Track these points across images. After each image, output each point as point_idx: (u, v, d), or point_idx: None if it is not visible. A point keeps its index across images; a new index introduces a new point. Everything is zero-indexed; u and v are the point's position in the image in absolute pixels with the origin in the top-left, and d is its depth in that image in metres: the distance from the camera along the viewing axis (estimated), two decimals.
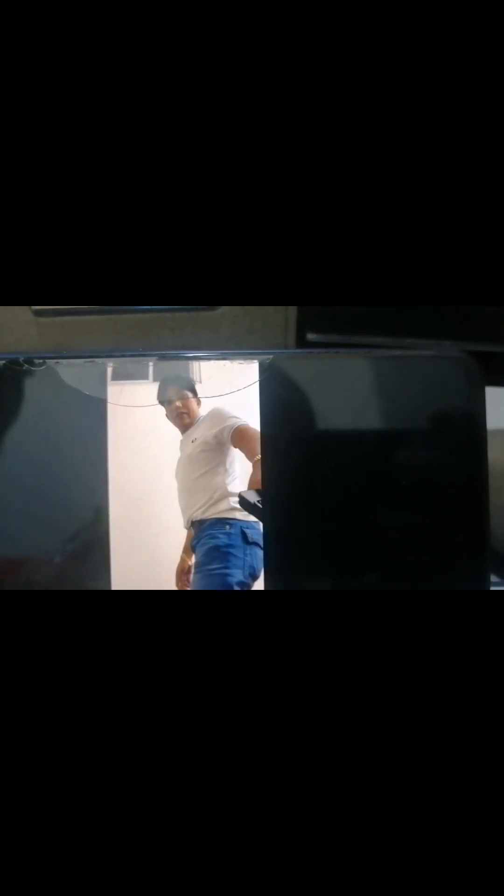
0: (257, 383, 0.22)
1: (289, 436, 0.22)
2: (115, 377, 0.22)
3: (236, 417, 0.22)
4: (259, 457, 0.22)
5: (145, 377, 0.22)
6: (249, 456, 0.22)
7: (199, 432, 0.22)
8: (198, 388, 0.22)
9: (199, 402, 0.22)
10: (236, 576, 0.22)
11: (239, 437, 0.22)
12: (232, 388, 0.22)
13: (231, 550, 0.22)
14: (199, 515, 0.22)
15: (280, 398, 0.22)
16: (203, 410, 0.22)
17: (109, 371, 0.22)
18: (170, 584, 0.23)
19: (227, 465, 0.22)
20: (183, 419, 0.22)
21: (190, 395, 0.22)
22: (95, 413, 0.22)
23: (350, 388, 0.23)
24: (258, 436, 0.22)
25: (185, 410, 0.22)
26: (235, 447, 0.22)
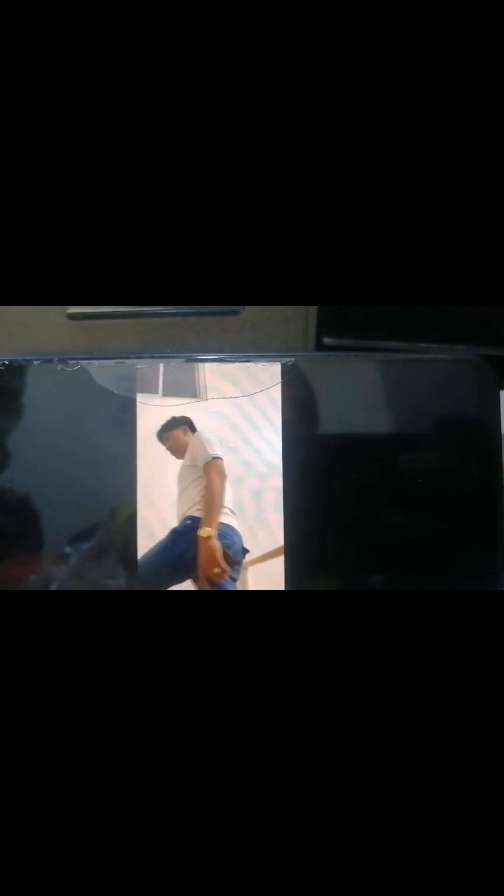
0: (279, 385, 0.23)
1: (307, 437, 0.24)
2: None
3: (216, 453, 0.24)
4: (211, 492, 0.24)
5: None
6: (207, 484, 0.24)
7: (188, 455, 0.25)
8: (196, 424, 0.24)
9: (188, 440, 0.24)
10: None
11: (208, 468, 0.24)
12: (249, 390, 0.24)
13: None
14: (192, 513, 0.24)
15: (300, 399, 0.23)
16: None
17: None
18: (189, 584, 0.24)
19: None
20: (175, 454, 0.24)
21: (180, 434, 0.24)
22: (124, 414, 0.24)
23: (367, 391, 0.24)
24: (222, 476, 0.24)
25: (176, 449, 0.24)
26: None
